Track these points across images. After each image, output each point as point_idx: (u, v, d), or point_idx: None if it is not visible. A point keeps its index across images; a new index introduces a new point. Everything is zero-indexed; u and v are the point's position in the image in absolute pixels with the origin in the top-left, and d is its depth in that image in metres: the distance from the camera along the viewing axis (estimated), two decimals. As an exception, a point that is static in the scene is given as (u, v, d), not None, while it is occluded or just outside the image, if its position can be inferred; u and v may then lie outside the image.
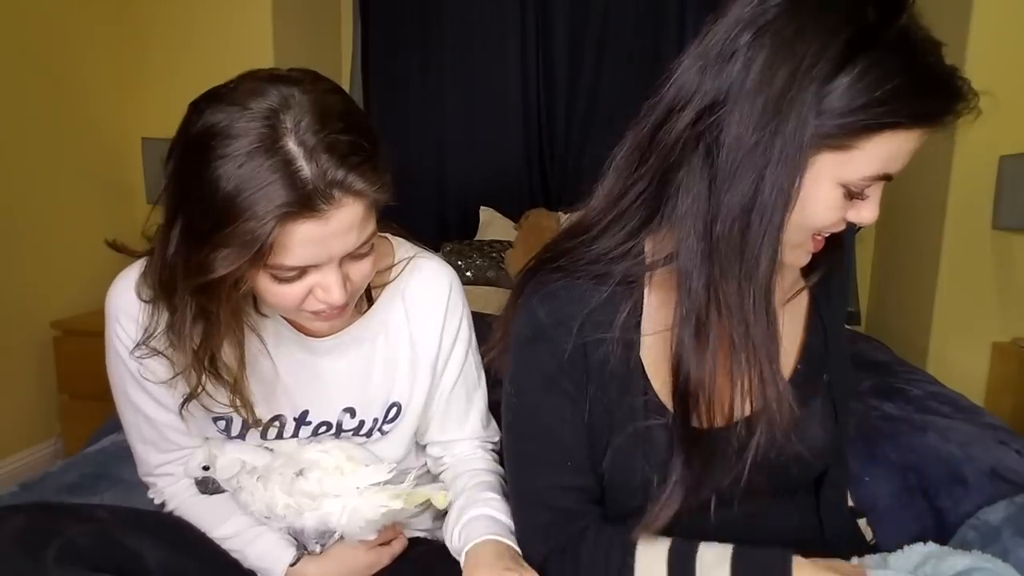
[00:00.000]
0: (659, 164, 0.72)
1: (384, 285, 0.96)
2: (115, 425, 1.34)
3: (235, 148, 0.69)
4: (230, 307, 0.80)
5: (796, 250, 0.75)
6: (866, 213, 0.71)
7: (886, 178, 0.69)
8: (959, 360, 2.37)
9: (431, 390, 1.00)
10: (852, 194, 0.69)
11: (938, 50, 0.67)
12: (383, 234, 0.96)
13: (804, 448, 0.80)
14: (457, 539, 0.90)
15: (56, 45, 2.45)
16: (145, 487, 1.02)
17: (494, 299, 2.66)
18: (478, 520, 0.90)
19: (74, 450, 1.59)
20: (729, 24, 0.68)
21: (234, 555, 0.94)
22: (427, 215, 3.23)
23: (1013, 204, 2.20)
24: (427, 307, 0.97)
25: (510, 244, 2.99)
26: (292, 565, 0.92)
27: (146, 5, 2.73)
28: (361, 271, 0.82)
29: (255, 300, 0.90)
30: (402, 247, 0.99)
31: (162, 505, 1.00)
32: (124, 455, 1.22)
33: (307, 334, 0.94)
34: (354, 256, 0.80)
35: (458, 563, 0.90)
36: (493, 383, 1.00)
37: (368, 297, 0.96)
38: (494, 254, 2.97)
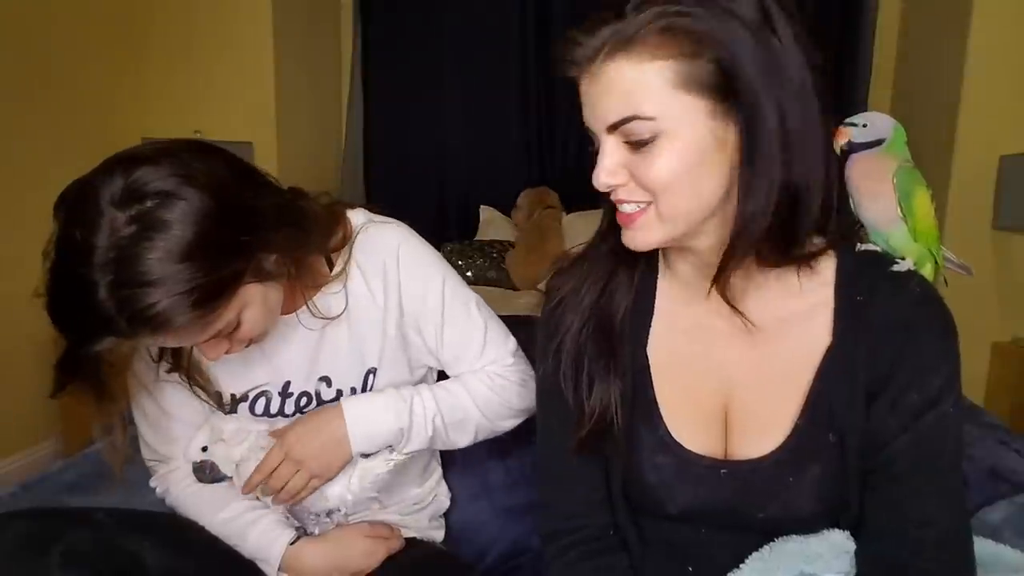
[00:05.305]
0: None
1: (338, 251, 0.95)
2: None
3: None
4: None
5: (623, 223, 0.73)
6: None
7: (611, 128, 0.68)
8: (959, 360, 2.37)
9: (406, 349, 0.99)
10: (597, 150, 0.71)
11: None
12: (343, 206, 0.98)
13: (786, 515, 0.72)
14: None
15: (57, 45, 2.45)
16: (147, 479, 1.02)
17: (495, 299, 2.66)
18: None
19: (74, 450, 1.59)
20: None
21: (233, 541, 0.94)
22: (427, 215, 3.23)
23: (1013, 204, 2.20)
24: (378, 269, 0.96)
25: (511, 244, 2.99)
26: (291, 545, 0.93)
27: (147, 5, 2.73)
28: (240, 334, 0.84)
29: None
30: (356, 216, 0.98)
31: (164, 495, 1.00)
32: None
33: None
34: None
35: (452, 565, 0.90)
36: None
37: (328, 263, 0.96)
38: (494, 254, 2.97)
